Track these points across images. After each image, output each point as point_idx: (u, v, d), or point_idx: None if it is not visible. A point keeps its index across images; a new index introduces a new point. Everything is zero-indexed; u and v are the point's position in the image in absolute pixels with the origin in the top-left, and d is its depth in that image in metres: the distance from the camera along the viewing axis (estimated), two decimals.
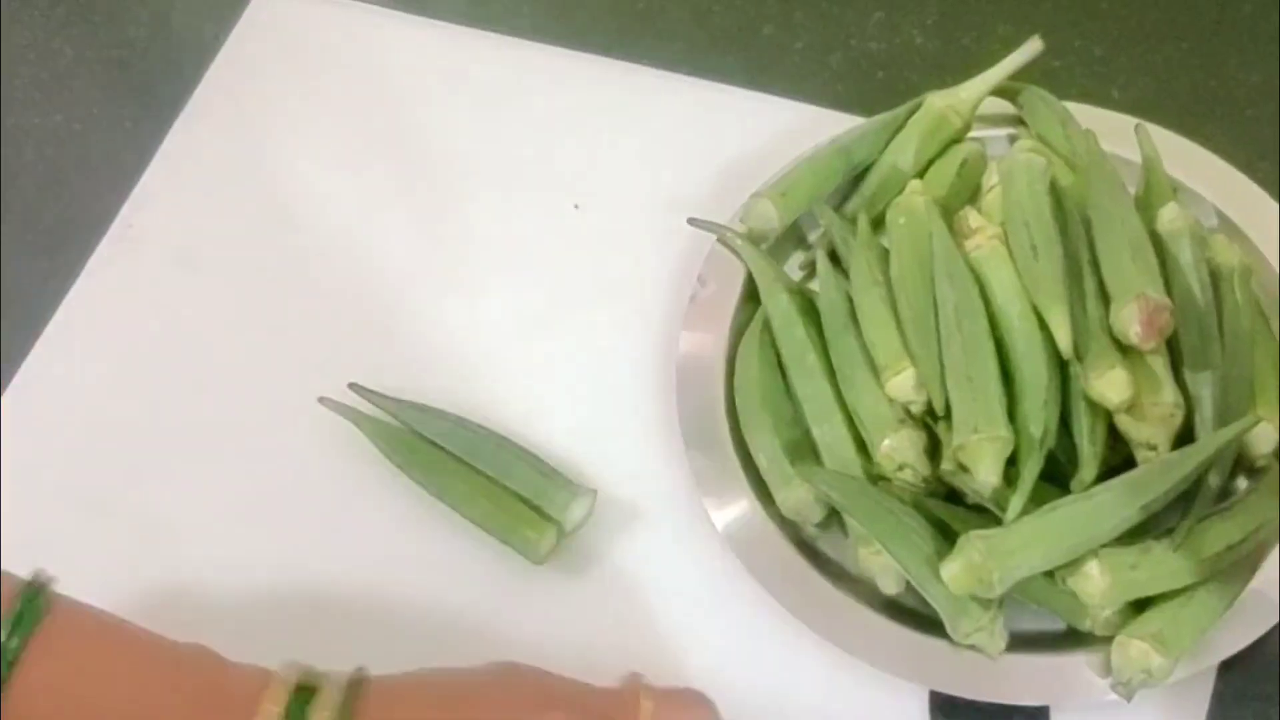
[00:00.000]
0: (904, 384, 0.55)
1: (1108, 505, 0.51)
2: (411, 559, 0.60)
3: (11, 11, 0.79)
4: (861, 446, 0.56)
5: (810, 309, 0.59)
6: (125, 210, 0.71)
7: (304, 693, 0.45)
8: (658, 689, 0.49)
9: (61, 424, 0.65)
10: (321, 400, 0.61)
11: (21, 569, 0.59)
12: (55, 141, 0.75)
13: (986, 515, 0.53)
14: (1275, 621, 0.51)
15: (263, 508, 0.62)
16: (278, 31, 0.76)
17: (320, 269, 0.68)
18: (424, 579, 0.59)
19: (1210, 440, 0.52)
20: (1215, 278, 0.57)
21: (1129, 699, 0.51)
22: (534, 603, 0.58)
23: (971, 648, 0.52)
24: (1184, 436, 0.53)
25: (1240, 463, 0.54)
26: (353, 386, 0.62)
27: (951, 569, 0.50)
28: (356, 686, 0.45)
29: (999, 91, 0.63)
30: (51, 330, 0.68)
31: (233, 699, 0.45)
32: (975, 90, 0.63)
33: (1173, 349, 0.54)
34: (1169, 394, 0.52)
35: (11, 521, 0.60)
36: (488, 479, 0.59)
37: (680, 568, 0.58)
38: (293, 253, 0.69)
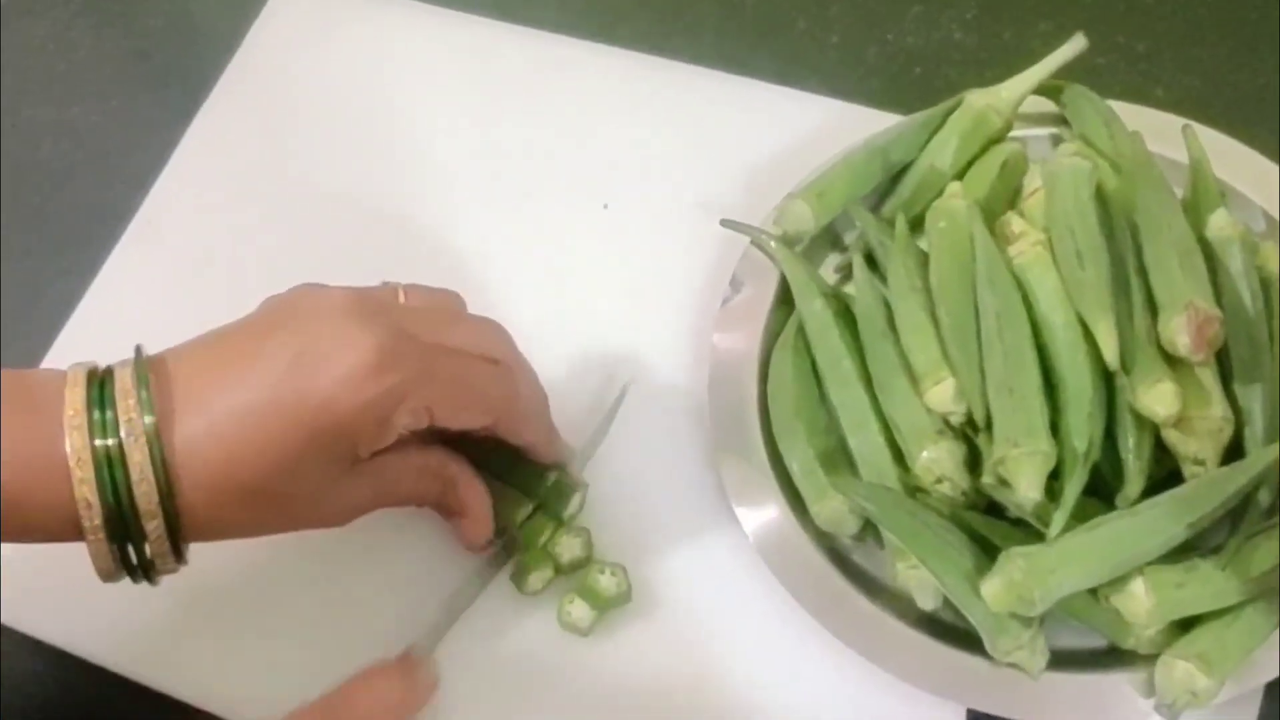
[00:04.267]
0: (943, 394, 0.53)
1: (1154, 522, 0.50)
2: (425, 552, 0.59)
3: (28, 4, 0.78)
4: (899, 457, 0.55)
5: (846, 314, 0.58)
6: (145, 207, 0.70)
7: (100, 376, 0.47)
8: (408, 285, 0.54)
9: None
10: None
11: (26, 568, 0.59)
12: (72, 137, 0.74)
13: (1028, 530, 0.52)
14: None
15: None
16: (299, 25, 0.75)
17: (342, 267, 0.66)
18: (437, 578, 0.58)
19: (1260, 456, 0.51)
20: (1265, 286, 0.55)
21: None
22: (553, 607, 0.57)
23: (1011, 666, 0.51)
24: (1233, 451, 0.51)
25: None
26: None
27: (991, 586, 0.49)
28: (143, 362, 0.48)
29: (1041, 90, 0.61)
30: (70, 328, 0.67)
31: (41, 392, 0.47)
32: (1017, 89, 0.61)
33: (1222, 361, 0.53)
34: (1218, 408, 0.51)
35: None
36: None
37: (710, 577, 0.57)
38: (314, 250, 0.68)
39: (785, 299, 0.60)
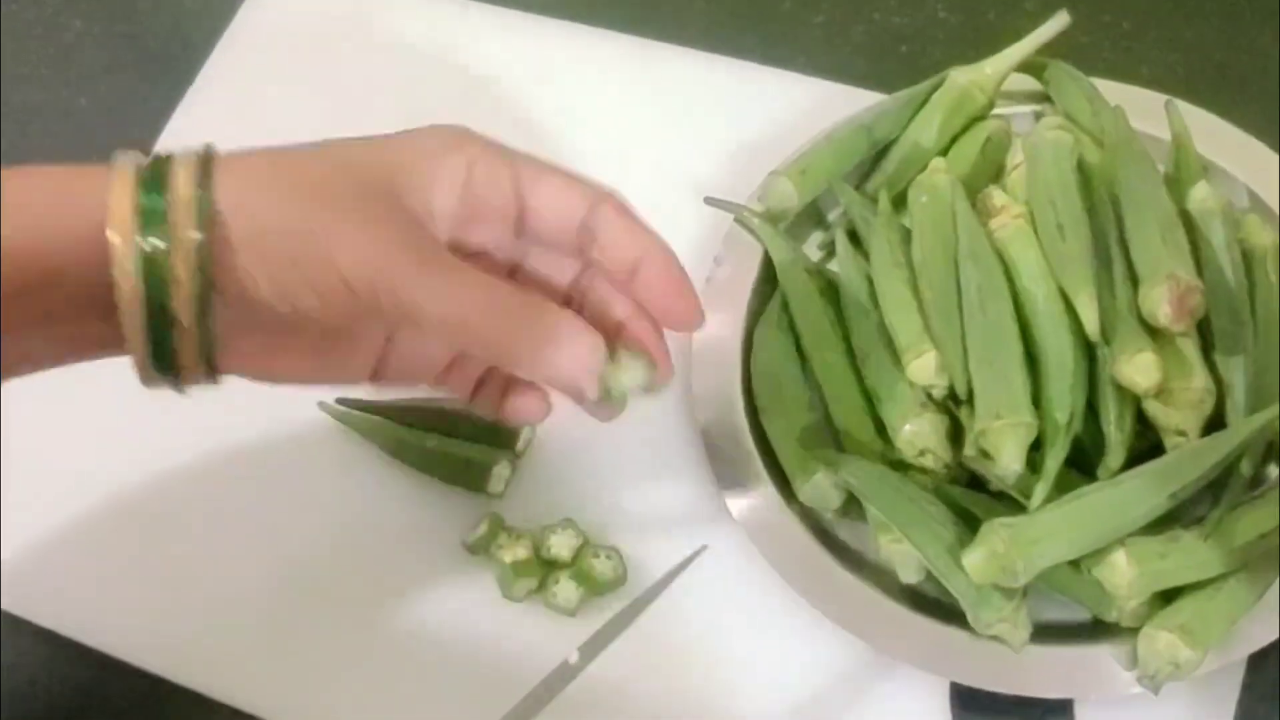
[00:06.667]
0: (925, 367, 0.53)
1: (1135, 493, 0.50)
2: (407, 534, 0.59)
3: None
4: (881, 431, 0.55)
5: (829, 290, 0.58)
6: None
7: (156, 163, 0.43)
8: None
9: (65, 415, 0.64)
10: (320, 405, 0.61)
11: (27, 559, 0.59)
12: (61, 118, 0.74)
13: (1010, 503, 0.52)
14: None
15: (265, 503, 0.61)
16: (286, 7, 0.75)
17: None
18: (425, 554, 0.58)
19: (1242, 426, 0.51)
20: (1247, 259, 0.55)
21: (1156, 692, 0.49)
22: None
23: (994, 638, 0.51)
24: (1215, 422, 0.52)
25: (1272, 449, 0.53)
26: (341, 401, 0.62)
27: (974, 558, 0.49)
28: (208, 155, 0.44)
29: (1024, 67, 0.61)
30: None
31: (85, 174, 0.43)
32: (1000, 66, 0.61)
33: (1203, 332, 0.53)
34: (1199, 378, 0.51)
35: (13, 510, 0.60)
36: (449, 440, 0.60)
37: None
38: None
39: (769, 276, 0.60)
